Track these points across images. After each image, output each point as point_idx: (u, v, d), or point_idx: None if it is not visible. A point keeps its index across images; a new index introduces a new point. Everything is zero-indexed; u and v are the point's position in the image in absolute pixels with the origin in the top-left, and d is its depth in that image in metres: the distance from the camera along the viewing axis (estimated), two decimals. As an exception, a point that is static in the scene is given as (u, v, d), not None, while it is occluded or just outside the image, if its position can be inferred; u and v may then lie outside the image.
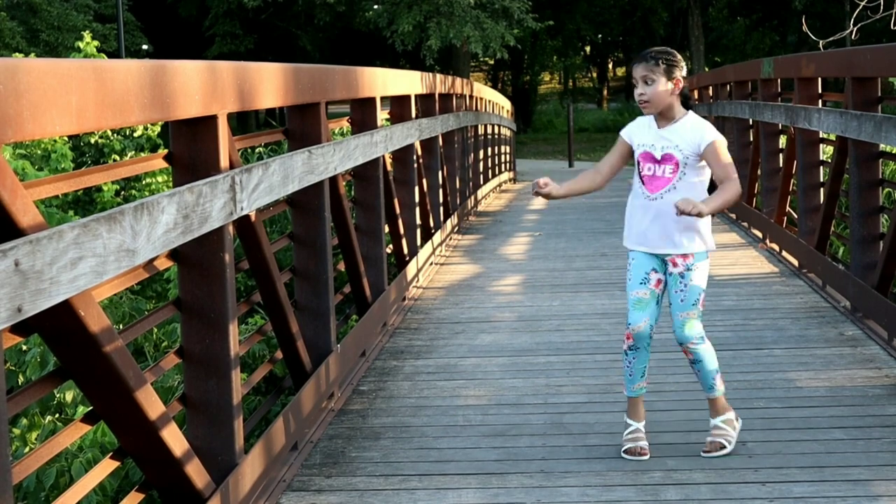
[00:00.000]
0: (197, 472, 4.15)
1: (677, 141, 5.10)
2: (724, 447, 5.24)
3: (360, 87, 7.66)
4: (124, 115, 3.61)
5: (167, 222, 3.67)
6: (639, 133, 5.22)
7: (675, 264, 5.17)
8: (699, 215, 4.91)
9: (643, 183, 5.15)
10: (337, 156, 6.42)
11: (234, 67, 4.78)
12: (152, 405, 3.77)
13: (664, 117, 5.14)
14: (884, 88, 8.25)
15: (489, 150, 19.68)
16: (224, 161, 4.50)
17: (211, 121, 4.43)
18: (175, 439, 3.96)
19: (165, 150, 4.54)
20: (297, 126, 6.27)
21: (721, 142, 5.10)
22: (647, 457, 5.21)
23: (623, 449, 5.27)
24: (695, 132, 5.09)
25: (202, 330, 4.46)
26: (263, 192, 4.89)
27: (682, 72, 5.11)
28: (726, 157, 5.08)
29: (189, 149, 4.44)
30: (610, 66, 68.35)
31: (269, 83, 5.32)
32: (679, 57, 5.13)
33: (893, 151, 8.12)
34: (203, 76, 4.31)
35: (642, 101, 5.10)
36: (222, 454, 4.46)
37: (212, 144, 4.44)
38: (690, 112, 5.17)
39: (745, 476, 4.96)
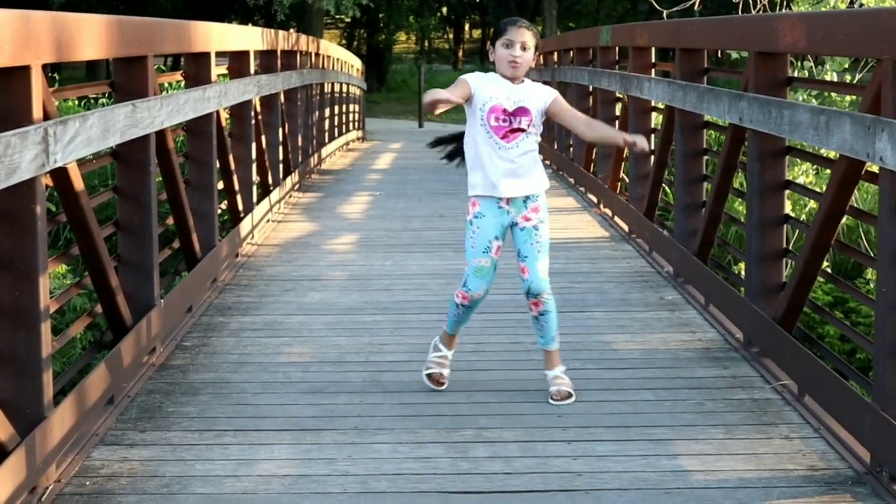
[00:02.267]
0: (1, 425, 4.13)
1: (530, 97, 5.51)
2: (571, 395, 5.53)
3: (193, 42, 7.60)
4: (-76, 62, 3.56)
5: (-30, 172, 3.63)
6: (486, 87, 5.50)
7: (527, 219, 5.51)
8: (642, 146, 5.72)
9: (492, 132, 5.46)
10: (164, 110, 6.37)
11: (51, 18, 4.72)
12: (-49, 357, 3.74)
13: (516, 79, 5.53)
14: (722, 60, 8.46)
15: (336, 108, 19.62)
16: (37, 112, 4.44)
17: (23, 71, 4.37)
18: (-24, 391, 3.93)
19: (-25, 100, 4.48)
20: (123, 79, 6.20)
21: (559, 95, 5.69)
22: (443, 386, 5.63)
23: (426, 372, 5.66)
24: (540, 91, 5.58)
25: (11, 282, 4.41)
26: (81, 145, 4.86)
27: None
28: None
29: (0, 99, 4.38)
30: (466, 27, 68.46)
31: (90, 35, 5.26)
32: None
33: (719, 122, 8.34)
34: (14, 25, 4.25)
35: (514, 62, 5.47)
36: (29, 407, 4.43)
37: (24, 95, 4.38)
38: (528, 79, 5.63)
39: (553, 434, 5.09)
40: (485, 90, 5.47)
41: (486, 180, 5.49)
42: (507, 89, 5.48)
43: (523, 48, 5.46)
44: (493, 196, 5.49)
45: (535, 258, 5.49)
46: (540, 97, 5.53)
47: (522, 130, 5.46)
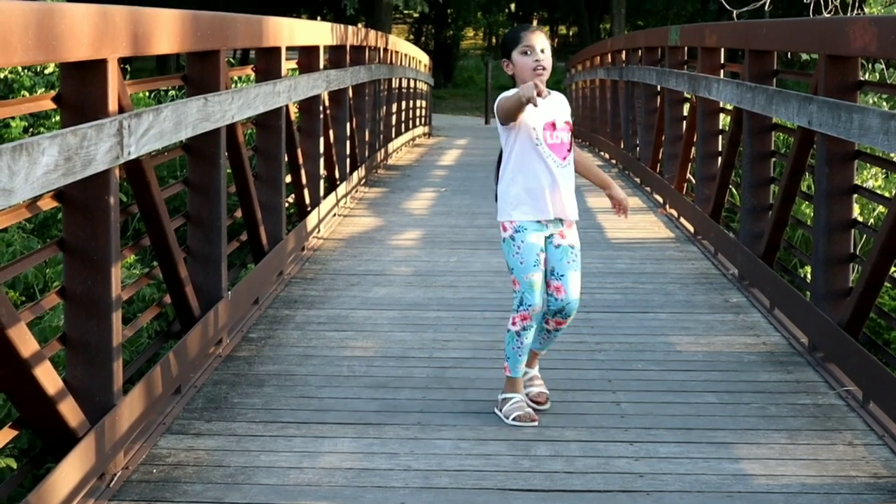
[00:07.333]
0: (71, 411, 4.21)
1: (563, 111, 5.23)
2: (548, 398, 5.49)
3: (264, 36, 7.67)
4: (6, 55, 3.63)
5: (48, 164, 3.70)
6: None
7: (563, 236, 5.25)
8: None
9: (550, 150, 5.15)
10: (235, 104, 6.44)
11: (128, 12, 4.79)
12: (25, 343, 3.82)
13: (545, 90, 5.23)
14: (792, 62, 8.41)
15: (403, 103, 19.68)
16: (113, 105, 4.52)
17: (100, 64, 4.45)
18: (48, 378, 4.01)
19: (54, 92, 4.56)
20: (195, 73, 6.28)
21: None
22: (537, 423, 5.22)
23: (512, 416, 5.22)
24: (565, 103, 5.31)
25: (84, 271, 4.49)
26: (154, 138, 4.92)
27: None
28: None
29: (78, 91, 4.45)
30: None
31: (165, 29, 5.33)
32: None
33: (787, 125, 8.29)
34: (93, 19, 4.32)
35: (541, 68, 5.14)
36: (99, 395, 4.51)
37: (101, 88, 4.46)
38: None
39: (615, 435, 5.11)
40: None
41: (535, 201, 5.17)
42: (547, 104, 5.18)
43: (544, 51, 5.15)
44: (538, 219, 5.19)
45: (571, 278, 5.25)
46: (566, 106, 5.26)
47: (568, 147, 5.22)
